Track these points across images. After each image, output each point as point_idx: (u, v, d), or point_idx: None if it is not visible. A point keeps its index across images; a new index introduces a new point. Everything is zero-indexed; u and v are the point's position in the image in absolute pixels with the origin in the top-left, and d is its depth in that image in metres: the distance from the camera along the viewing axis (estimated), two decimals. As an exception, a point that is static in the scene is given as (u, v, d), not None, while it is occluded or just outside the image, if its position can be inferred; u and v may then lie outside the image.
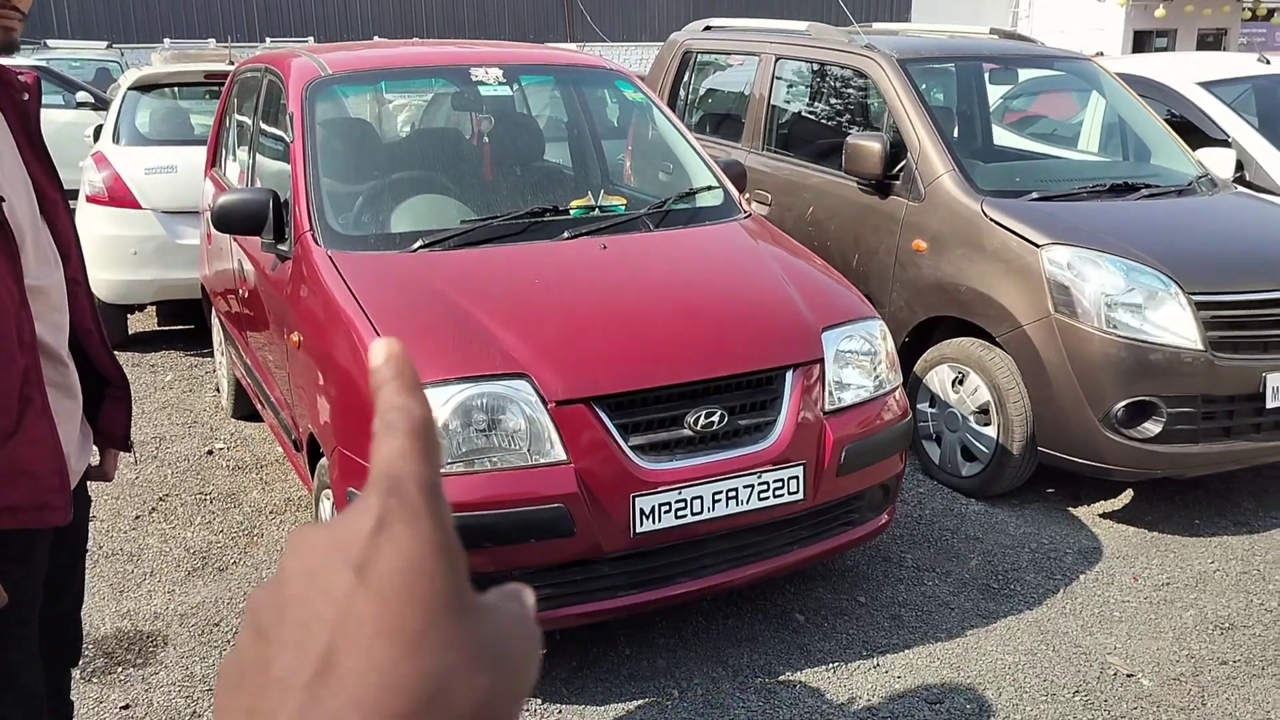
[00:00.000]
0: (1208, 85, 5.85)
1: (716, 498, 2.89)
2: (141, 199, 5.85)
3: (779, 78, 5.63)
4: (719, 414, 2.93)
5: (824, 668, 3.12)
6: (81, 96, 10.36)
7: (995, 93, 6.39)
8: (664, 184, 4.29)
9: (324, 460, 3.10)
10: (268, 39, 15.38)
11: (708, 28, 6.51)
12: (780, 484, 2.98)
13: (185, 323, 6.62)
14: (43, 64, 11.36)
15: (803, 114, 5.69)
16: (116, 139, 6.08)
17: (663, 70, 6.48)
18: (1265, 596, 3.56)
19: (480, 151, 4.44)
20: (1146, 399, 3.80)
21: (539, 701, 2.95)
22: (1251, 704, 2.99)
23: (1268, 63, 6.24)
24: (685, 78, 6.39)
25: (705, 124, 6.25)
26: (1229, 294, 3.89)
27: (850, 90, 5.33)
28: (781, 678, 3.07)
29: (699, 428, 2.91)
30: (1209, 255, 4.09)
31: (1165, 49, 21.98)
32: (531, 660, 0.38)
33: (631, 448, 2.83)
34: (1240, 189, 5.01)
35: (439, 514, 0.37)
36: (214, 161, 5.33)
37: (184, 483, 4.43)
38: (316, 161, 3.57)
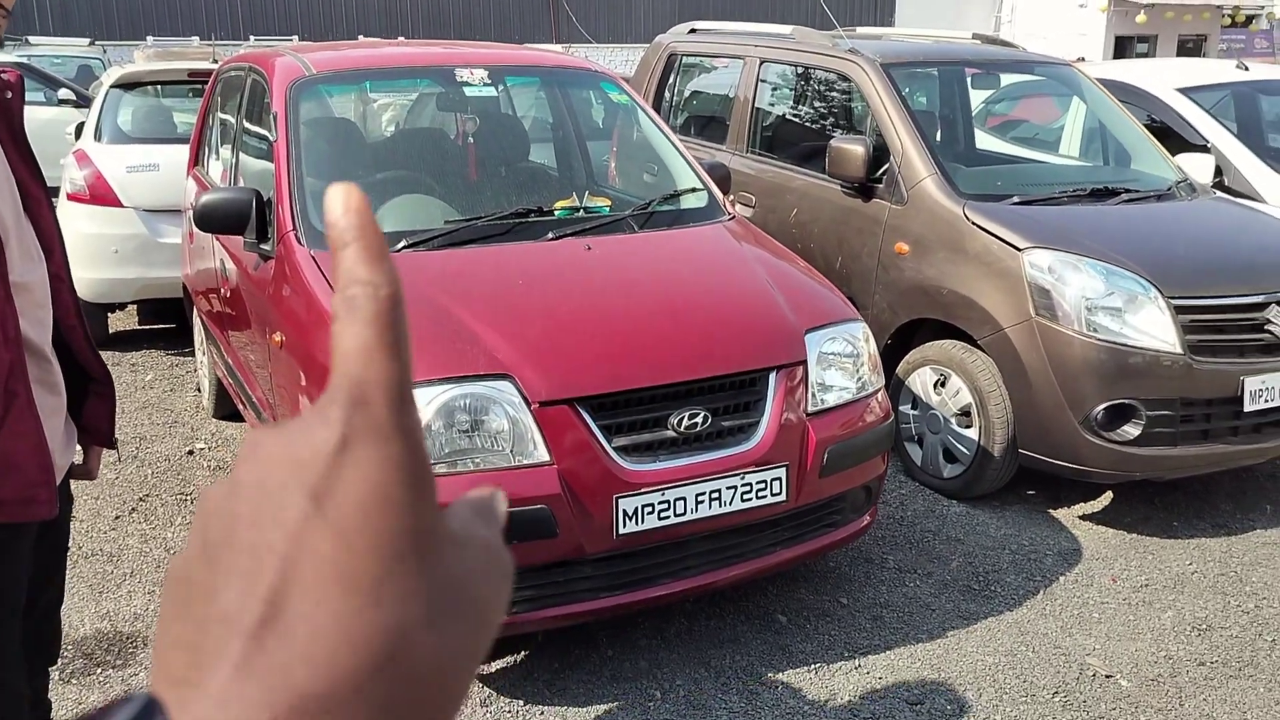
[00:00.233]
0: (1187, 91, 5.91)
1: (700, 499, 2.89)
2: (123, 197, 5.82)
3: (763, 81, 5.65)
4: (702, 415, 2.94)
5: (806, 669, 3.13)
6: (63, 94, 10.30)
7: (977, 97, 6.43)
8: (648, 186, 4.30)
9: (306, 460, 3.09)
10: (252, 37, 15.31)
11: (693, 30, 6.52)
12: (763, 485, 2.99)
13: (166, 322, 6.58)
14: (24, 61, 11.28)
15: (787, 117, 5.71)
16: (98, 137, 6.04)
17: (648, 72, 6.49)
18: (1242, 598, 3.60)
19: (465, 152, 4.43)
20: (1126, 402, 3.83)
21: (520, 703, 2.95)
22: (1228, 705, 3.02)
23: (1246, 69, 6.30)
24: (670, 80, 6.40)
25: (690, 126, 6.27)
26: (1207, 298, 3.92)
27: (834, 94, 5.36)
28: (764, 679, 3.08)
29: (682, 429, 2.91)
30: (1188, 260, 4.12)
31: (1146, 55, 22.15)
32: (500, 599, 0.35)
33: (615, 449, 2.83)
34: (1219, 194, 5.06)
35: (408, 430, 0.33)
36: (197, 160, 5.30)
37: (164, 483, 4.41)
38: (300, 161, 3.56)
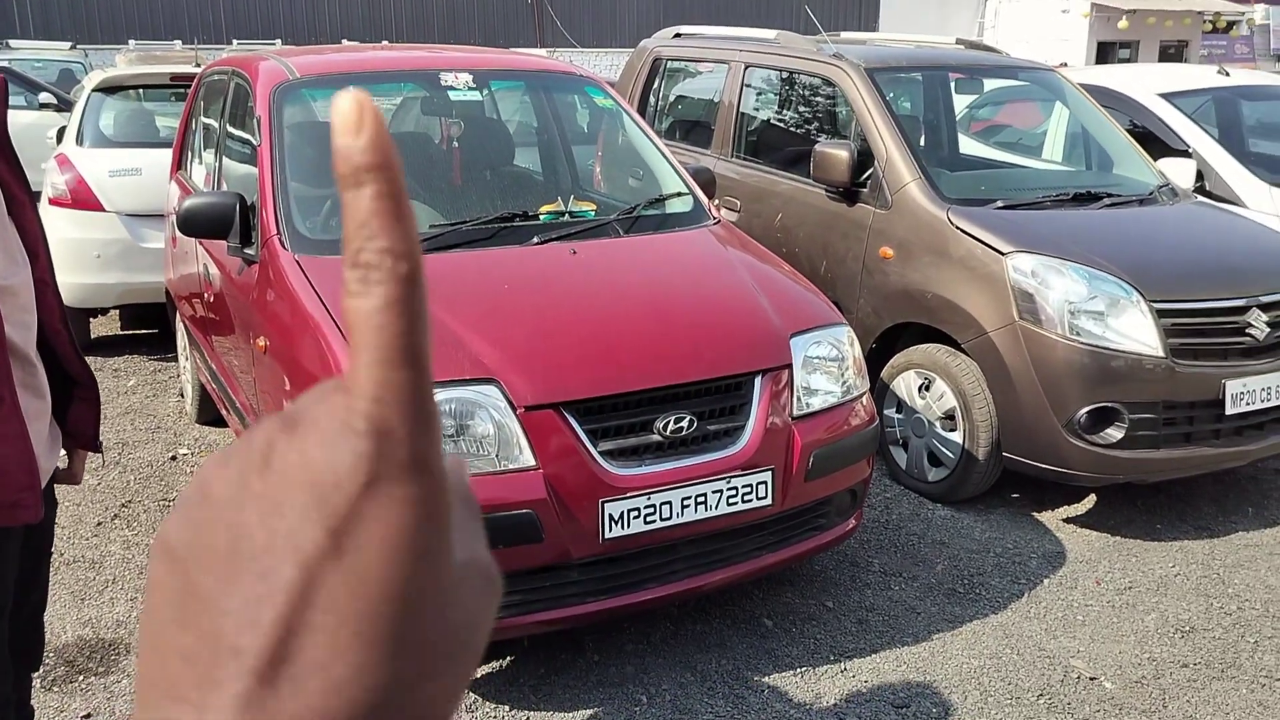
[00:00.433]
0: (1169, 96, 5.95)
1: (685, 503, 2.89)
2: (105, 202, 5.79)
3: (748, 85, 5.66)
4: (688, 419, 2.94)
5: (792, 672, 3.13)
6: (44, 98, 10.22)
7: (961, 102, 6.46)
8: (634, 190, 4.30)
9: (290, 466, 3.07)
10: (234, 41, 15.26)
11: (677, 35, 6.53)
12: (749, 489, 2.99)
13: (149, 327, 6.54)
14: (5, 64, 11.19)
15: (771, 121, 5.72)
16: (80, 141, 6.00)
17: (633, 77, 6.50)
18: (1225, 600, 3.62)
19: (450, 156, 4.43)
20: (1109, 405, 3.85)
21: (506, 708, 2.94)
22: (1211, 706, 3.04)
23: (1227, 75, 6.35)
24: (655, 84, 6.41)
25: (675, 130, 6.28)
26: (1189, 302, 3.95)
27: (818, 99, 5.38)
28: (750, 683, 3.08)
29: (668, 433, 2.91)
30: (1170, 264, 4.15)
31: (1128, 60, 22.30)
32: (490, 623, 0.34)
33: (601, 453, 2.83)
34: (1200, 199, 5.10)
35: (432, 466, 0.30)
36: (179, 164, 5.28)
37: (147, 489, 4.38)
38: (284, 165, 3.55)
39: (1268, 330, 3.99)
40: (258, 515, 0.30)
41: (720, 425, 3.02)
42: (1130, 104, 5.97)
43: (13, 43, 15.55)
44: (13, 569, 1.69)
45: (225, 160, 4.31)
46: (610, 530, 2.81)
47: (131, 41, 13.76)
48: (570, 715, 2.93)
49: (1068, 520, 4.21)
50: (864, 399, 3.37)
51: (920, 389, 4.34)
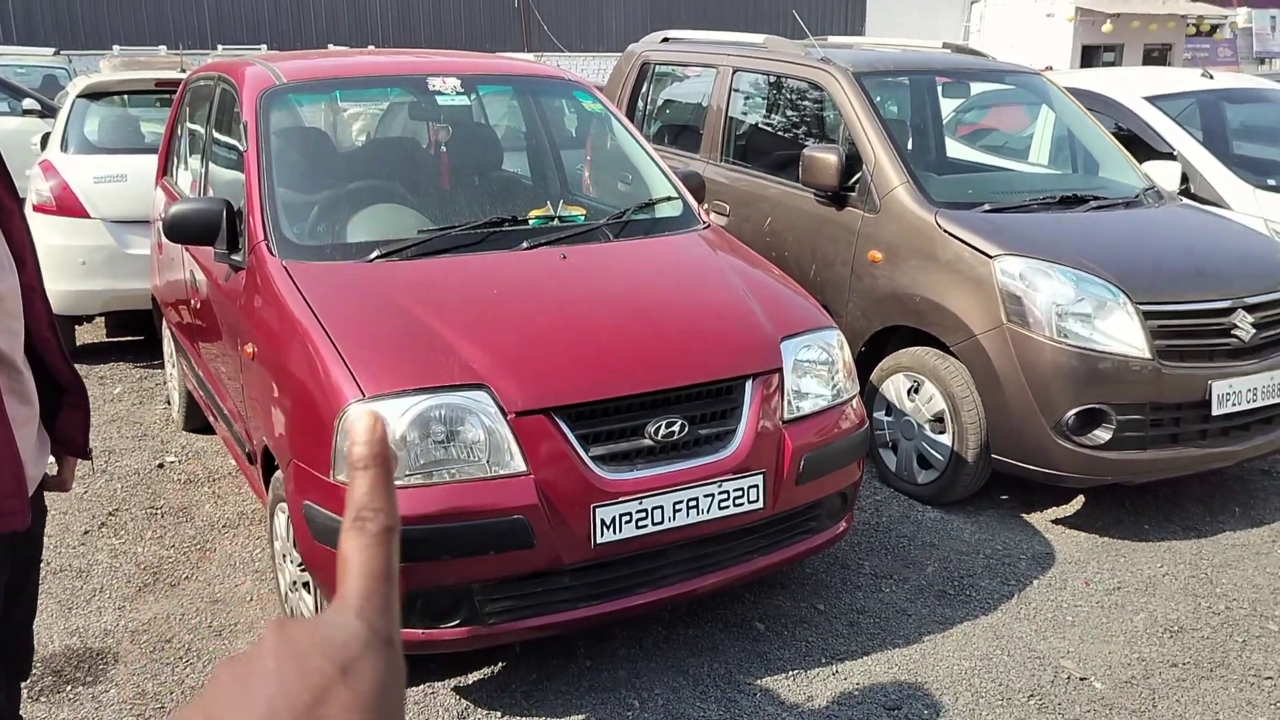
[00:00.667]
0: (1153, 100, 5.99)
1: (677, 507, 2.89)
2: (90, 208, 5.76)
3: (736, 90, 5.67)
4: (679, 424, 2.94)
5: (784, 675, 3.13)
6: (28, 104, 10.16)
7: (948, 106, 6.49)
8: (623, 194, 4.31)
9: (279, 473, 3.06)
10: (220, 46, 15.21)
11: (665, 40, 6.54)
12: (740, 493, 2.99)
13: (135, 334, 6.51)
14: (-13, 70, 11.13)
15: (760, 126, 5.73)
16: (65, 147, 5.97)
17: (621, 81, 6.50)
18: (1213, 600, 3.64)
19: (438, 161, 4.42)
20: (1096, 406, 3.87)
21: (498, 714, 2.93)
22: (1200, 705, 3.05)
23: (1211, 78, 6.40)
24: (643, 89, 6.42)
25: (664, 135, 6.28)
26: (1175, 304, 3.97)
27: (806, 103, 5.39)
28: (742, 686, 3.08)
29: (659, 438, 2.91)
30: (1156, 266, 4.17)
31: (1112, 64, 22.43)
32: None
33: (592, 458, 2.83)
34: (1185, 201, 5.13)
35: (396, 641, 0.48)
36: (165, 170, 5.25)
37: (134, 497, 4.36)
38: (271, 171, 3.53)
39: (1253, 332, 4.02)
40: (274, 660, 0.45)
41: (711, 429, 3.02)
42: (1115, 107, 6.00)
43: (-4, 48, 15.46)
44: (2, 576, 1.68)
45: (211, 166, 4.30)
46: (602, 535, 2.81)
47: (116, 47, 13.71)
48: (562, 721, 2.92)
49: (1056, 521, 4.23)
50: (854, 402, 3.38)
51: (909, 392, 4.35)
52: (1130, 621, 3.48)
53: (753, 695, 3.04)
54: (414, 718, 2.93)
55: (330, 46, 16.43)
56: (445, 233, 3.49)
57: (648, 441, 2.90)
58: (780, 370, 3.16)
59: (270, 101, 3.76)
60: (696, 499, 2.92)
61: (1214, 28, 23.12)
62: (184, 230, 3.45)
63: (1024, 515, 4.27)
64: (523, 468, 2.75)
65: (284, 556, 3.21)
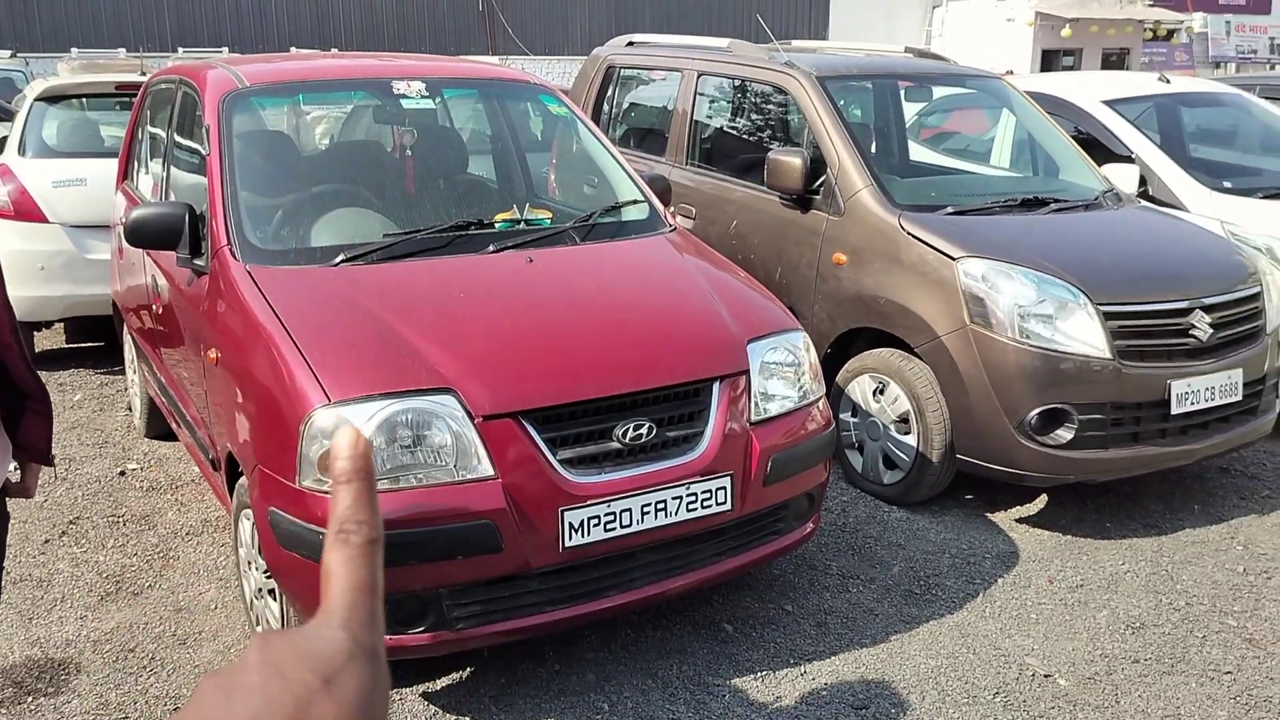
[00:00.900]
0: (1112, 103, 6.07)
1: (645, 510, 2.90)
2: (49, 213, 5.68)
3: (701, 93, 5.69)
4: (647, 426, 2.94)
5: (752, 676, 3.15)
6: (-16, 107, 9.99)
7: (911, 109, 6.55)
8: (589, 198, 4.31)
9: (243, 479, 3.04)
10: (180, 49, 15.02)
11: (630, 43, 6.55)
12: (708, 495, 3.00)
13: (95, 340, 6.42)
14: (-59, 73, 10.93)
15: (725, 129, 5.75)
16: (22, 151, 5.88)
17: (586, 85, 6.50)
18: (1173, 596, 3.69)
19: (403, 165, 4.40)
20: (1058, 406, 3.92)
21: (467, 719, 2.92)
22: (1162, 700, 3.10)
23: (1168, 82, 6.50)
24: (609, 92, 6.42)
25: (629, 138, 6.29)
26: (1135, 304, 4.03)
27: (771, 106, 5.42)
28: (711, 688, 3.08)
29: (627, 440, 2.91)
30: (1115, 267, 4.23)
31: (1071, 68, 22.72)
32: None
33: (560, 461, 2.82)
34: (1143, 203, 5.21)
35: (379, 652, 0.48)
36: (126, 175, 5.19)
37: (95, 505, 4.29)
38: (234, 175, 3.50)
39: (1210, 331, 4.09)
40: (258, 675, 0.46)
41: (679, 432, 3.02)
42: (1075, 111, 6.08)
43: (-50, 51, 15.19)
44: None
45: (173, 170, 4.25)
46: (570, 539, 2.81)
47: (74, 49, 13.51)
48: (532, 725, 2.91)
49: (1020, 520, 4.28)
50: (820, 404, 3.40)
51: (875, 393, 4.39)
52: (1093, 619, 3.53)
53: (721, 697, 3.04)
54: (382, 724, 2.91)
55: (293, 49, 16.31)
56: (411, 236, 3.47)
57: (616, 444, 2.91)
58: (747, 372, 3.17)
59: (233, 105, 3.72)
60: (665, 501, 2.92)
61: (1170, 33, 23.48)
62: (146, 235, 3.41)
63: (988, 514, 4.31)
64: (490, 472, 2.74)
65: (249, 564, 3.18)
